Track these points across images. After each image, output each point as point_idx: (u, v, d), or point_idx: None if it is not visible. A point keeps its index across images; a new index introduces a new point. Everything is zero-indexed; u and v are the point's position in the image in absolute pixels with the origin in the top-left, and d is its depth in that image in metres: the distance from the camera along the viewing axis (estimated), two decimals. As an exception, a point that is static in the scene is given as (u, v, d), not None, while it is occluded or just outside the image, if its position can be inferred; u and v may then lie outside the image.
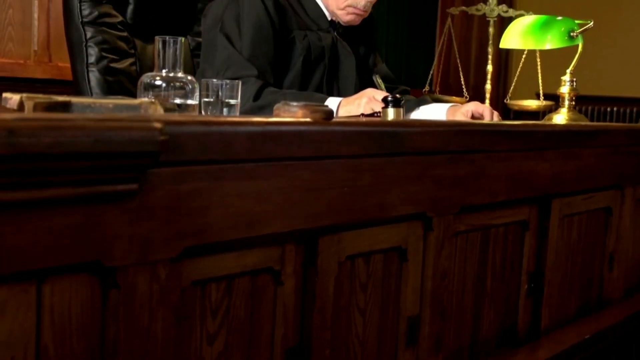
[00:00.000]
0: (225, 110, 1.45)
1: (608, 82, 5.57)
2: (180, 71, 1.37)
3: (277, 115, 1.16)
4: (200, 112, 1.43)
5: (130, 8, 2.14)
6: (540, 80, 2.28)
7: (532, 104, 2.34)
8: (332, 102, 1.74)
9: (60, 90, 3.24)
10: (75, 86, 2.07)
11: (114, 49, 2.07)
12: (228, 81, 1.47)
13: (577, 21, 2.11)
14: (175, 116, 0.95)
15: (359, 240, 1.26)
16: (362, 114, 1.59)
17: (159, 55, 1.36)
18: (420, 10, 5.44)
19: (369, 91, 1.69)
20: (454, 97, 2.38)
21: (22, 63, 3.25)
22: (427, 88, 2.38)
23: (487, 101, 2.35)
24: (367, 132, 1.22)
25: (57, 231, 0.82)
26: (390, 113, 1.51)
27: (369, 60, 2.13)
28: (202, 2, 2.31)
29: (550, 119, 2.13)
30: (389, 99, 1.52)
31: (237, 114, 1.47)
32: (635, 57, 5.78)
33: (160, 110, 1.10)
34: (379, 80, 1.74)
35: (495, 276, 1.68)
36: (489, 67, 2.31)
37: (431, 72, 2.43)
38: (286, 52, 1.88)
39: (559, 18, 2.09)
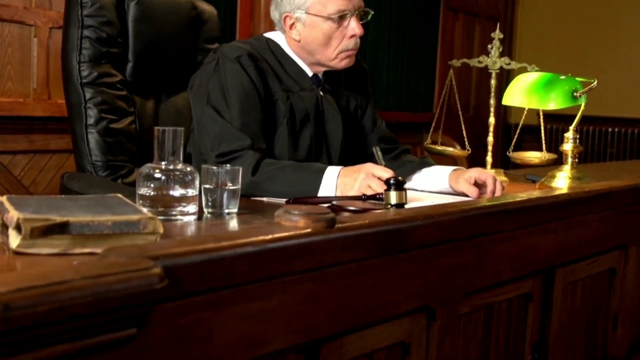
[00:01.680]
0: (225, 195, 1.43)
1: (609, 102, 5.54)
2: (179, 162, 1.36)
3: (278, 223, 1.14)
4: (200, 198, 1.42)
5: (129, 66, 2.12)
6: (543, 136, 2.26)
7: (534, 157, 2.32)
8: (331, 172, 1.72)
9: (59, 127, 3.23)
10: (75, 147, 2.04)
11: (113, 109, 2.05)
12: (228, 167, 1.45)
13: (579, 79, 2.09)
14: (175, 247, 0.93)
15: (361, 342, 1.24)
16: (364, 195, 1.57)
17: (158, 146, 1.35)
18: (421, 32, 5.42)
19: (368, 166, 1.66)
20: (455, 151, 2.37)
21: (22, 101, 3.23)
22: (429, 140, 2.36)
23: (489, 153, 2.32)
24: (370, 234, 1.20)
25: (54, 387, 0.80)
26: (393, 197, 1.49)
27: (365, 115, 2.08)
28: (202, 55, 2.29)
29: (554, 176, 2.11)
30: (391, 181, 1.50)
31: (238, 199, 1.45)
32: (636, 78, 5.76)
33: (159, 227, 1.08)
34: (379, 154, 1.71)
35: (498, 351, 1.66)
36: (492, 120, 2.29)
37: (432, 125, 2.41)
38: (271, 114, 1.87)
39: (562, 77, 2.07)
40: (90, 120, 2.01)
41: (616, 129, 5.89)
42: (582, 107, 2.07)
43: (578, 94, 2.02)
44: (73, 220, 1.03)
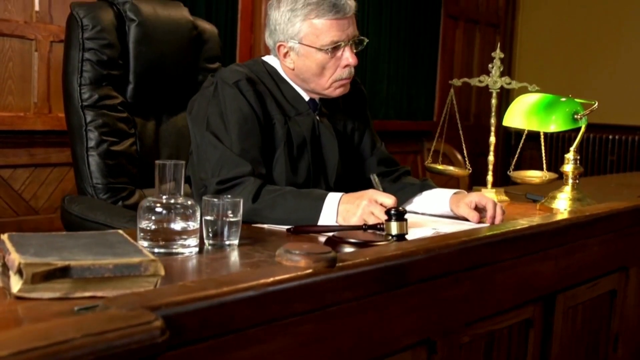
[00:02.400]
0: (226, 227, 1.44)
1: (610, 110, 5.55)
2: (180, 196, 1.36)
3: (279, 262, 1.14)
4: (201, 229, 1.42)
5: (130, 87, 2.13)
6: (544, 156, 2.26)
7: (535, 176, 2.32)
8: (332, 199, 1.72)
9: (60, 141, 3.24)
10: (75, 169, 2.05)
11: (114, 131, 2.06)
12: (229, 198, 1.45)
13: (579, 100, 2.10)
14: (175, 296, 0.93)
15: (362, 379, 1.24)
16: (364, 225, 1.57)
17: (158, 179, 1.35)
18: (421, 40, 5.42)
19: (371, 193, 1.66)
20: (456, 170, 2.37)
21: (22, 116, 3.24)
22: (430, 160, 2.36)
23: (490, 172, 2.32)
24: (371, 271, 1.20)
25: None
26: (394, 227, 1.49)
27: (363, 138, 2.07)
28: (203, 74, 2.30)
29: (554, 197, 2.11)
30: (392, 212, 1.50)
31: (239, 230, 1.45)
32: (637, 85, 5.77)
33: (160, 270, 1.08)
34: (377, 180, 1.71)
35: (499, 378, 1.66)
36: (492, 139, 2.29)
37: (433, 144, 2.42)
38: (270, 138, 1.87)
39: (563, 99, 2.07)
40: (91, 143, 2.02)
41: (617, 137, 5.90)
42: (583, 129, 2.08)
43: (579, 117, 2.03)
44: (74, 264, 1.03)
